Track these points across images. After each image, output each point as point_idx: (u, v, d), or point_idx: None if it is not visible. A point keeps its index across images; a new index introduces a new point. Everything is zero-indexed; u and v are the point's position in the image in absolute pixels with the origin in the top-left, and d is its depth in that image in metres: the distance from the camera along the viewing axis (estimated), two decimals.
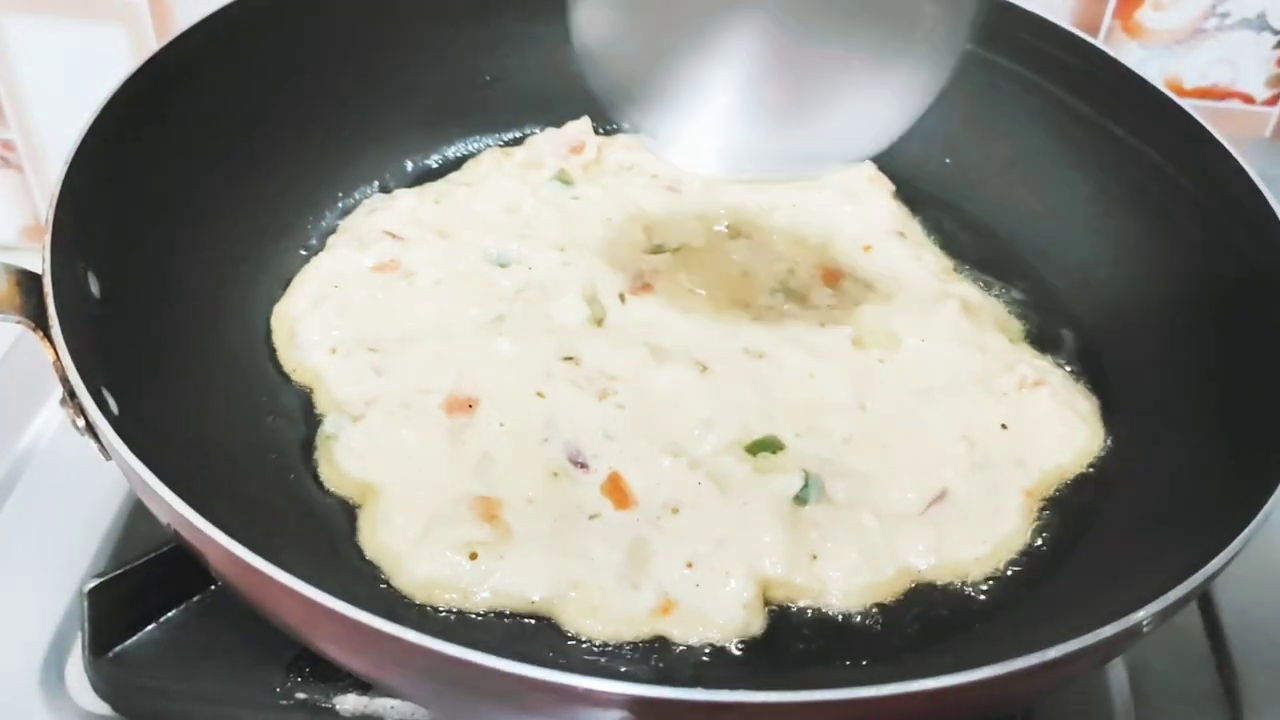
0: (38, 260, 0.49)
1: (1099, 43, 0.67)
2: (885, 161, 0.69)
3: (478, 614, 0.49)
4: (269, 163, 0.64)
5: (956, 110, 0.70)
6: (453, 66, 0.71)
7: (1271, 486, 0.46)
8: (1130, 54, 0.81)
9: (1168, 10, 0.80)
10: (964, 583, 0.52)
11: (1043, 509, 0.54)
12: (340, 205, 0.66)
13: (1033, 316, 0.63)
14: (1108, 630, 0.41)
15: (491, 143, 0.71)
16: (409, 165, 0.69)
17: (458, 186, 0.67)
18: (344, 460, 0.54)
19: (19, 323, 0.48)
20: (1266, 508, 0.45)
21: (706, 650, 0.49)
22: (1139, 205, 0.64)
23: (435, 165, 0.70)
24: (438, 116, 0.71)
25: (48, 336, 0.48)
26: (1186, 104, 0.63)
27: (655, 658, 0.48)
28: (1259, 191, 0.58)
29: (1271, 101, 0.84)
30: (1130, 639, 0.42)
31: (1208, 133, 0.61)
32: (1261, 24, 0.80)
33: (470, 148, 0.71)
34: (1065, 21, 0.68)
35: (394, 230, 0.63)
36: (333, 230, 0.65)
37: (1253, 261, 0.58)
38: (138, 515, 0.62)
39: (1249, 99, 0.84)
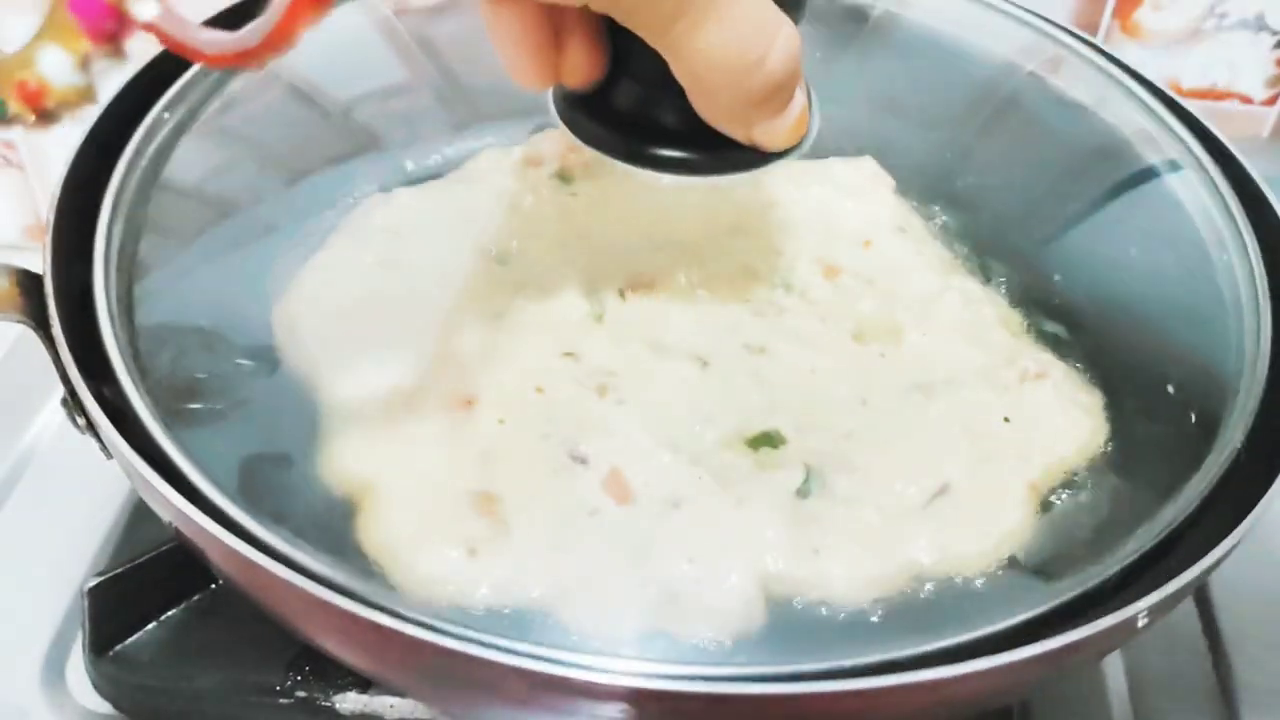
0: (38, 260, 0.50)
1: (1099, 43, 0.67)
2: (886, 158, 0.69)
3: (478, 610, 0.49)
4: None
5: (957, 108, 0.71)
6: (452, 65, 0.71)
7: (1269, 481, 0.46)
8: (1129, 54, 0.82)
9: (1166, 11, 0.80)
10: (966, 576, 0.51)
11: (1045, 502, 0.54)
12: (340, 204, 0.66)
13: (1035, 310, 0.63)
14: (1105, 623, 0.41)
15: (492, 141, 0.71)
16: (409, 164, 0.69)
17: (457, 185, 0.67)
18: (343, 458, 0.54)
19: (20, 322, 0.49)
20: (1263, 502, 0.45)
21: (708, 645, 0.48)
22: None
23: (435, 164, 0.70)
24: (437, 114, 0.71)
25: (48, 336, 0.48)
26: (1185, 104, 0.63)
27: (656, 652, 0.48)
28: (1259, 192, 0.58)
29: (1270, 102, 0.84)
30: (1128, 632, 0.42)
31: (1207, 132, 0.61)
32: (1260, 24, 0.80)
33: (470, 146, 0.71)
34: (1065, 21, 0.68)
35: (393, 228, 0.63)
36: (332, 229, 0.65)
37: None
38: (138, 515, 0.63)
39: (1247, 99, 0.84)
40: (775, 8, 0.44)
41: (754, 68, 0.44)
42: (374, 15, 0.70)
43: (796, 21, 0.46)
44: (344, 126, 0.68)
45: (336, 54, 0.66)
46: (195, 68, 0.60)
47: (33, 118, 0.34)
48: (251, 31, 0.33)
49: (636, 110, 0.50)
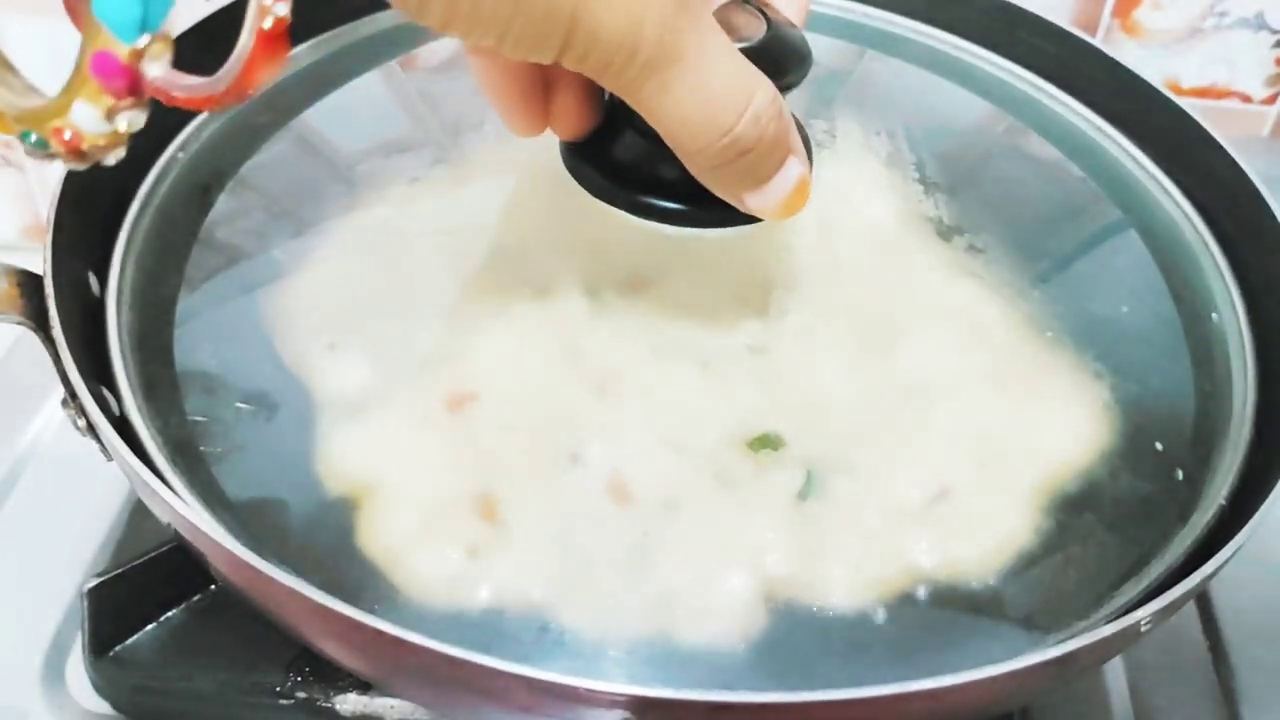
0: (38, 260, 0.50)
1: (1098, 42, 0.67)
2: (888, 157, 0.69)
3: (478, 612, 0.49)
4: None
5: (958, 109, 0.71)
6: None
7: (1271, 485, 0.46)
8: (1129, 53, 0.82)
9: (1166, 10, 0.80)
10: (967, 580, 0.51)
11: (1046, 505, 0.54)
12: (338, 203, 0.66)
13: (1037, 311, 0.63)
14: (1107, 630, 0.41)
15: (492, 139, 0.71)
16: (408, 162, 0.69)
17: (457, 183, 0.67)
18: (342, 458, 0.54)
19: (19, 323, 0.48)
20: (1265, 507, 0.45)
21: (707, 649, 0.48)
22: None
23: (435, 162, 0.70)
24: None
25: (48, 337, 0.48)
26: (1185, 103, 0.63)
27: (656, 657, 0.48)
28: (1258, 191, 0.58)
29: (1269, 101, 0.84)
30: (1130, 638, 0.42)
31: (1206, 132, 0.61)
32: (1260, 23, 0.80)
33: (470, 144, 0.71)
34: (1064, 21, 0.68)
35: (392, 226, 0.63)
36: (331, 228, 0.65)
37: (1251, 262, 0.58)
38: (138, 515, 0.62)
39: (1247, 98, 0.84)
40: (754, 71, 0.43)
41: (724, 132, 0.44)
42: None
43: (794, 86, 0.46)
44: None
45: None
46: (192, 66, 0.60)
47: (70, 157, 0.36)
48: (217, 80, 0.37)
49: (639, 162, 0.51)
